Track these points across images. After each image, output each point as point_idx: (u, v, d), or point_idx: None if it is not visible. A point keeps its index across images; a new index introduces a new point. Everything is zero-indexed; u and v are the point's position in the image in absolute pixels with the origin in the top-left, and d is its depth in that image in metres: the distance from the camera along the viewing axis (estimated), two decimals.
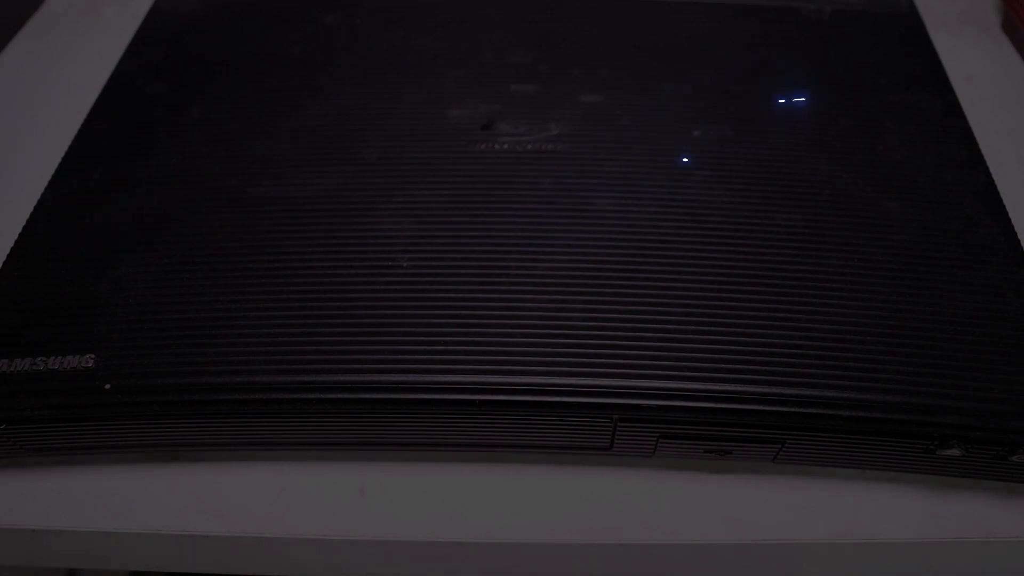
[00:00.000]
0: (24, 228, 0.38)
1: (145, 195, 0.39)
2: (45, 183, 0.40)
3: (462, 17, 0.50)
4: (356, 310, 0.34)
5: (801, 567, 0.36)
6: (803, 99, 0.44)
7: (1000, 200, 0.39)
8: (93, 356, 0.33)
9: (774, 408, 0.32)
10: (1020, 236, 0.37)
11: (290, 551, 0.35)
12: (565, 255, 0.36)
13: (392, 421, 0.34)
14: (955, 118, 0.43)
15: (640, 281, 0.35)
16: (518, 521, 0.35)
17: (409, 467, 0.36)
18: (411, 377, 0.32)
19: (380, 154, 0.41)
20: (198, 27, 0.50)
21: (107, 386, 0.32)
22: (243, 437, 0.35)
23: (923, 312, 0.34)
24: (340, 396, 0.32)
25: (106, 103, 0.45)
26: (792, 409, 0.32)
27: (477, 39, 0.48)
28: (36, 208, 0.39)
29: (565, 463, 0.36)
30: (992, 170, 0.40)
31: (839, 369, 0.32)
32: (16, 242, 0.38)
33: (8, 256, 0.37)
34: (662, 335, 0.33)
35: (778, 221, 0.38)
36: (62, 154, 0.42)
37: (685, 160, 0.39)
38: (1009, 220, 0.38)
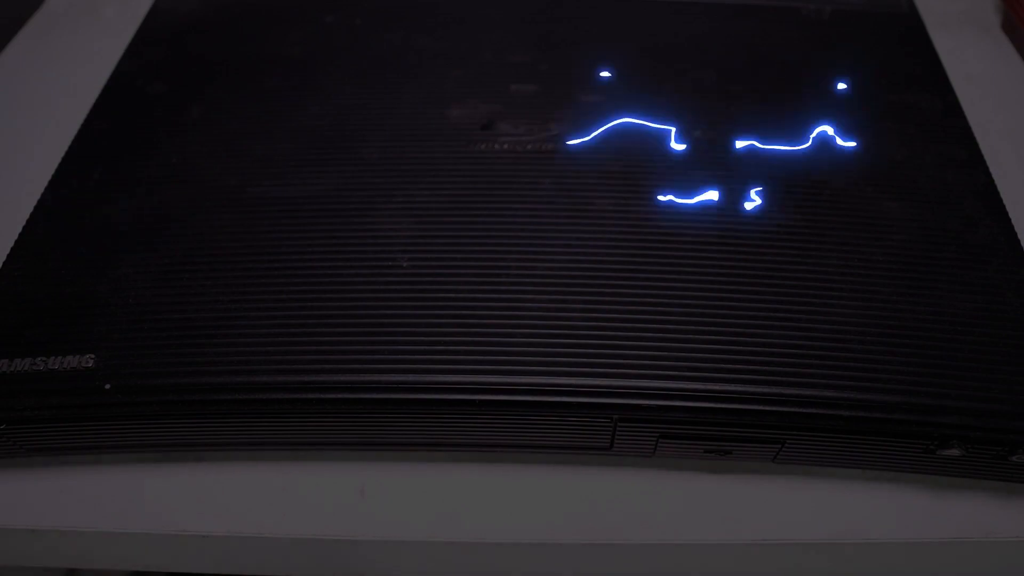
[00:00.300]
0: (24, 228, 0.38)
1: (145, 195, 0.39)
2: (45, 183, 0.40)
3: (462, 17, 0.50)
4: (356, 310, 0.34)
5: (801, 567, 0.36)
6: (803, 99, 0.44)
7: (1000, 200, 0.39)
8: (93, 356, 0.33)
9: (774, 408, 0.32)
10: (1020, 236, 0.37)
11: (290, 551, 0.35)
12: (565, 255, 0.36)
13: (392, 421, 0.34)
14: (955, 118, 0.43)
15: (640, 281, 0.35)
16: (518, 521, 0.35)
17: (409, 467, 0.36)
18: (411, 377, 0.32)
19: (380, 154, 0.41)
20: (198, 27, 0.50)
21: (107, 386, 0.32)
22: (243, 437, 0.35)
23: (923, 312, 0.34)
24: (340, 396, 0.32)
25: (106, 103, 0.45)
26: (792, 409, 0.32)
27: (477, 39, 0.48)
28: (36, 208, 0.39)
29: (565, 463, 0.36)
30: (992, 170, 0.40)
31: (839, 369, 0.32)
32: (16, 242, 0.38)
33: (8, 256, 0.37)
34: (662, 335, 0.33)
35: (778, 221, 0.38)
36: (62, 154, 0.42)
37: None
38: (1009, 220, 0.38)
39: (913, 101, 0.44)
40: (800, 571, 0.36)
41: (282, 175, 0.40)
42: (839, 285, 0.35)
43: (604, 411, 0.32)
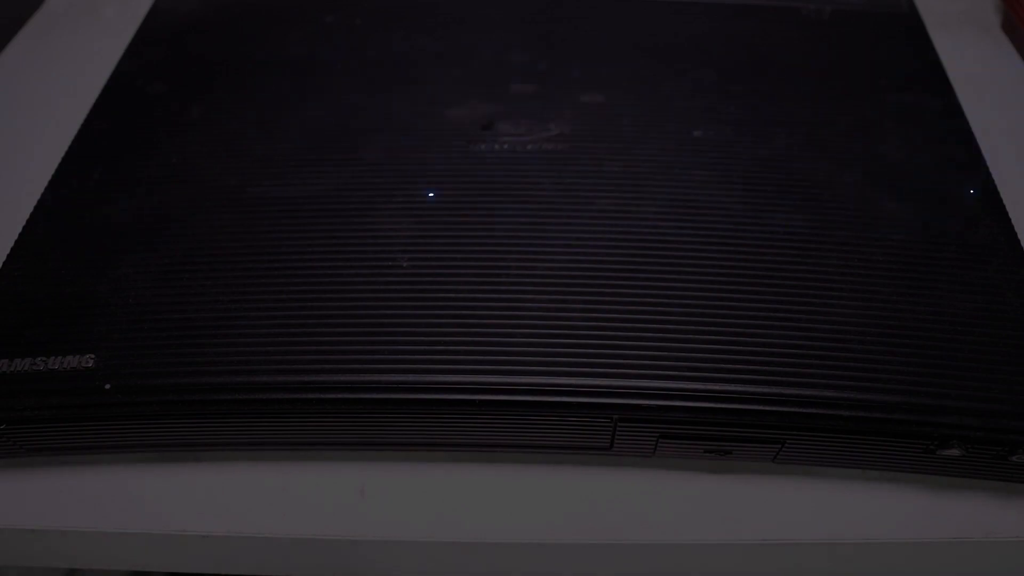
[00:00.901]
0: (24, 228, 0.38)
1: (145, 195, 0.39)
2: (45, 183, 0.40)
3: (462, 17, 0.50)
4: (356, 310, 0.34)
5: (801, 567, 0.36)
6: (803, 99, 0.44)
7: (1000, 200, 0.39)
8: (93, 356, 0.33)
9: (774, 408, 0.32)
10: (1020, 236, 0.37)
11: (290, 551, 0.35)
12: (565, 255, 0.36)
13: (392, 421, 0.34)
14: (955, 118, 0.43)
15: (640, 281, 0.35)
16: (518, 521, 0.35)
17: (409, 467, 0.36)
18: (411, 377, 0.32)
19: (380, 154, 0.41)
20: (198, 27, 0.50)
21: (107, 386, 0.32)
22: (243, 437, 0.35)
23: (923, 312, 0.34)
24: (340, 396, 0.32)
25: (106, 103, 0.45)
26: (792, 409, 0.32)
27: (477, 39, 0.48)
28: (36, 208, 0.39)
29: (565, 463, 0.36)
30: (992, 170, 0.40)
31: (839, 369, 0.32)
32: (16, 242, 0.38)
33: (8, 256, 0.37)
34: (662, 335, 0.33)
35: (778, 221, 0.38)
36: (62, 154, 0.42)
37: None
38: (1009, 220, 0.38)
39: (913, 101, 0.44)
40: (800, 571, 0.36)
41: (282, 175, 0.40)
42: (839, 285, 0.35)
43: (604, 411, 0.32)
